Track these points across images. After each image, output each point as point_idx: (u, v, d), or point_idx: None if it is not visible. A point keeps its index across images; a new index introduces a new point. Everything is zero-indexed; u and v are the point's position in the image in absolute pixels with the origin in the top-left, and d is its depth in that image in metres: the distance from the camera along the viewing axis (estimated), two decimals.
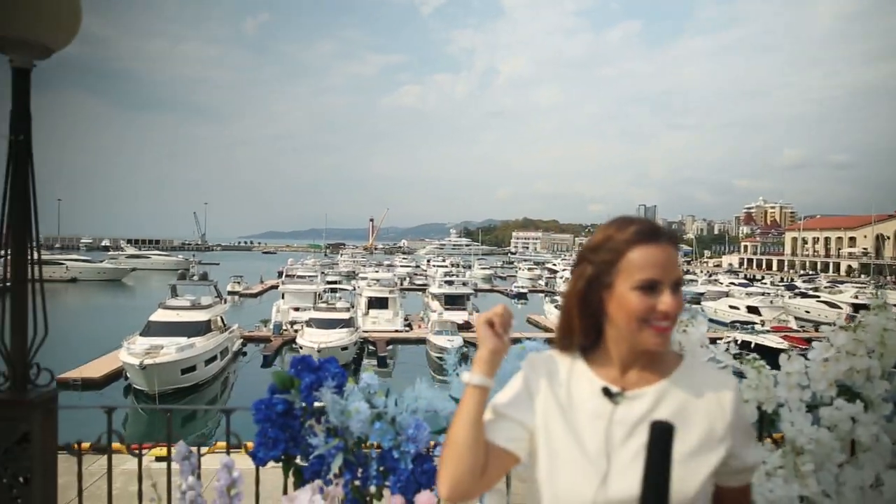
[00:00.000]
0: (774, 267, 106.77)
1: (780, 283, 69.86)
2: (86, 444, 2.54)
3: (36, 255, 2.34)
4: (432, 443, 2.26)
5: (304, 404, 2.13)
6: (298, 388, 2.18)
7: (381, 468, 2.16)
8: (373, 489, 2.16)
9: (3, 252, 2.31)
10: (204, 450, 2.43)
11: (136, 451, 2.32)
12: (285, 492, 2.18)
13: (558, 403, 1.26)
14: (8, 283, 2.32)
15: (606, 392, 1.23)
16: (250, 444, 2.25)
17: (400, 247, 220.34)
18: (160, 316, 25.40)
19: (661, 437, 1.10)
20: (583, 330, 1.29)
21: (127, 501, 2.66)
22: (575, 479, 1.19)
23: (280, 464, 2.17)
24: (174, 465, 2.14)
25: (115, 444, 2.45)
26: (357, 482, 2.15)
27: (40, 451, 2.25)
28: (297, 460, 2.17)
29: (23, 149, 2.28)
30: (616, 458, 1.18)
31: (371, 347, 31.67)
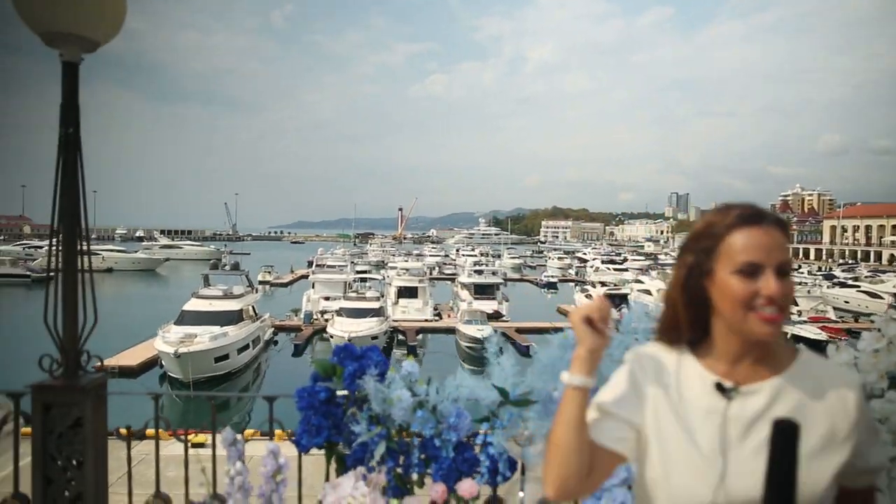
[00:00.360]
0: (812, 256, 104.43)
1: (818, 273, 68.29)
2: (124, 430, 2.61)
3: (85, 246, 2.40)
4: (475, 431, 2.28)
5: (346, 392, 2.17)
6: (341, 375, 2.22)
7: (423, 456, 2.19)
8: (415, 477, 2.19)
9: (53, 242, 2.38)
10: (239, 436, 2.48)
11: (182, 437, 2.38)
12: (328, 478, 2.22)
13: (668, 400, 1.22)
14: (50, 273, 2.38)
15: (719, 387, 1.18)
16: (288, 433, 2.30)
17: (429, 236, 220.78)
18: (193, 305, 25.87)
19: (785, 436, 1.04)
20: (688, 322, 1.25)
21: (169, 485, 2.73)
22: (691, 478, 1.16)
23: (322, 451, 2.22)
24: (219, 451, 2.20)
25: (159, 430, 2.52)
26: (399, 469, 2.18)
27: (92, 435, 2.32)
28: (340, 447, 2.21)
29: (72, 141, 2.34)
30: (733, 457, 1.14)
31: (401, 336, 31.83)
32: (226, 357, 23.70)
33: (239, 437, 1.94)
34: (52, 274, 2.35)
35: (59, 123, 2.32)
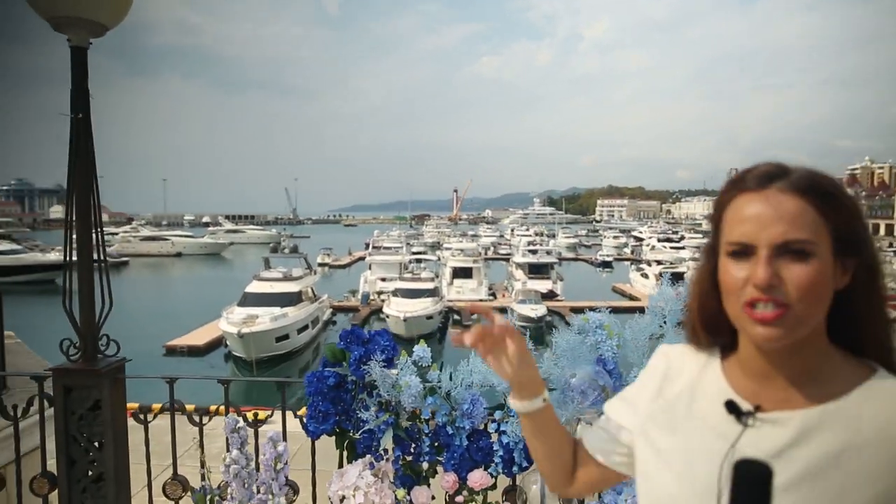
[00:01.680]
0: (882, 231, 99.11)
1: (889, 249, 64.80)
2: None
3: (99, 234, 2.38)
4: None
5: (354, 377, 2.08)
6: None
7: (435, 444, 2.09)
8: (425, 466, 2.09)
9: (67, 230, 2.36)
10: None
11: (197, 420, 2.36)
12: (340, 465, 2.15)
13: (671, 412, 0.98)
14: (66, 261, 2.37)
15: (731, 408, 0.89)
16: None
17: (484, 217, 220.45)
18: (255, 287, 26.54)
19: (749, 486, 0.80)
20: (703, 320, 0.97)
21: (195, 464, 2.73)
22: None
23: (333, 437, 2.14)
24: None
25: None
26: (409, 458, 2.08)
27: (111, 417, 2.32)
28: (351, 434, 2.13)
29: (83, 127, 2.31)
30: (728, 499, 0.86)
31: (456, 317, 31.93)
32: (286, 337, 24.29)
33: (253, 414, 1.88)
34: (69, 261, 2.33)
35: (69, 110, 2.28)
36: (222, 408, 2.44)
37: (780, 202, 0.84)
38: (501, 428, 2.06)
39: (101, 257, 2.40)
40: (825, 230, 0.84)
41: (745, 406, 0.89)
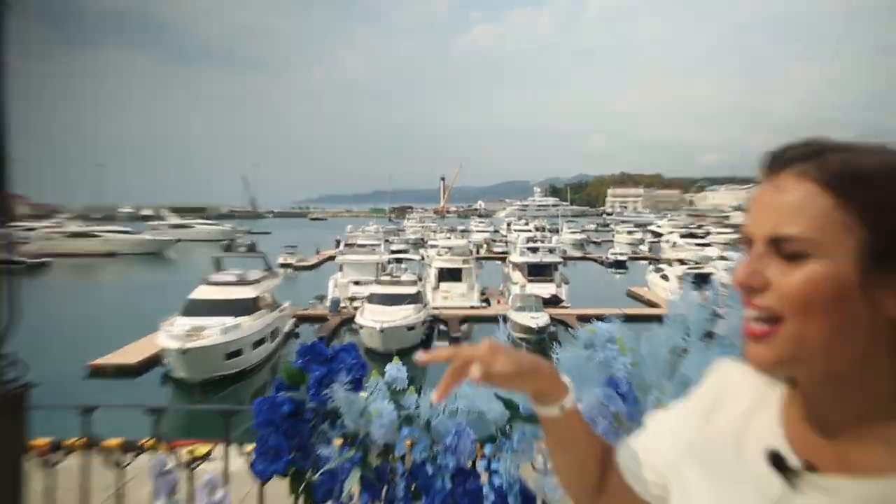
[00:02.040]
0: None
1: None
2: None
3: (5, 232, 2.29)
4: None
5: (313, 404, 2.01)
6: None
7: (412, 487, 2.02)
8: None
9: None
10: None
11: (117, 462, 2.28)
12: None
13: (712, 450, 0.92)
14: None
15: (776, 460, 0.81)
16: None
17: (475, 209, 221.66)
18: (202, 293, 26.27)
19: None
20: None
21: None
22: None
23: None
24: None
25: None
26: None
27: (4, 459, 2.21)
28: (308, 475, 2.06)
29: None
30: None
31: (442, 327, 31.95)
32: (238, 353, 24.07)
33: (171, 463, 1.80)
34: None
35: None
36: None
37: (787, 188, 0.78)
38: (493, 466, 2.00)
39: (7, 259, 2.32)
40: (848, 229, 0.74)
41: (793, 461, 0.80)
